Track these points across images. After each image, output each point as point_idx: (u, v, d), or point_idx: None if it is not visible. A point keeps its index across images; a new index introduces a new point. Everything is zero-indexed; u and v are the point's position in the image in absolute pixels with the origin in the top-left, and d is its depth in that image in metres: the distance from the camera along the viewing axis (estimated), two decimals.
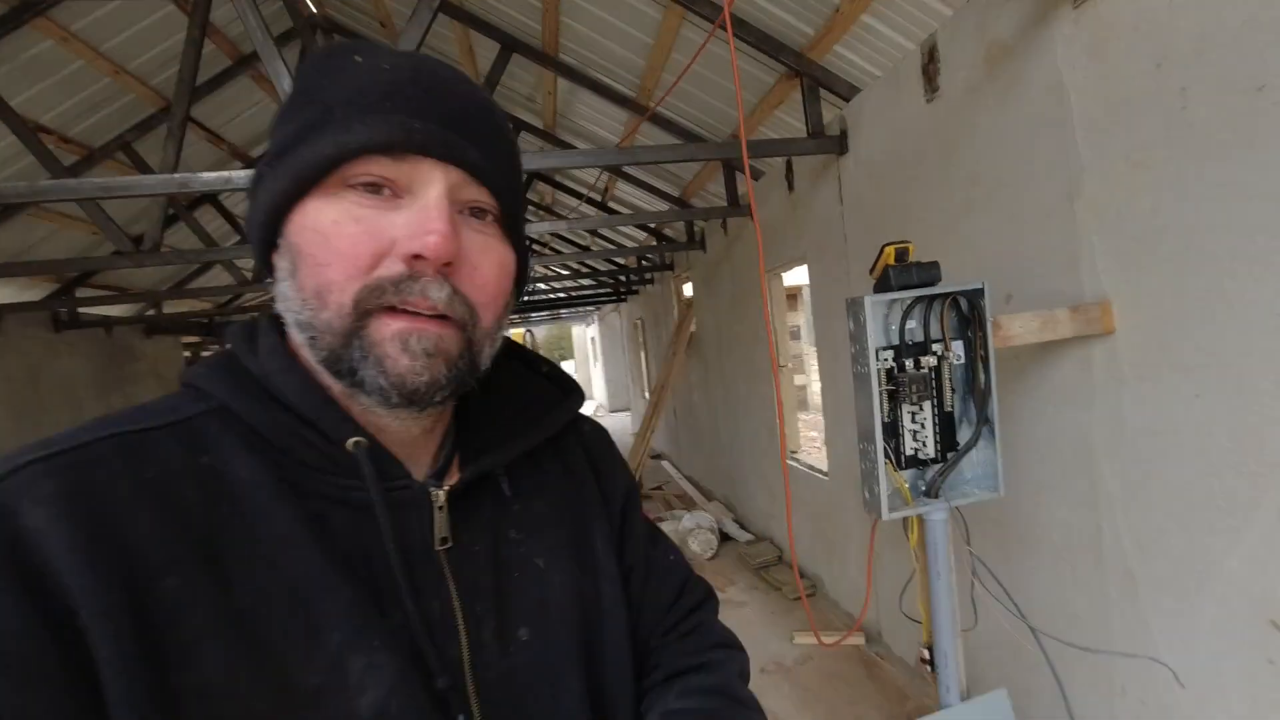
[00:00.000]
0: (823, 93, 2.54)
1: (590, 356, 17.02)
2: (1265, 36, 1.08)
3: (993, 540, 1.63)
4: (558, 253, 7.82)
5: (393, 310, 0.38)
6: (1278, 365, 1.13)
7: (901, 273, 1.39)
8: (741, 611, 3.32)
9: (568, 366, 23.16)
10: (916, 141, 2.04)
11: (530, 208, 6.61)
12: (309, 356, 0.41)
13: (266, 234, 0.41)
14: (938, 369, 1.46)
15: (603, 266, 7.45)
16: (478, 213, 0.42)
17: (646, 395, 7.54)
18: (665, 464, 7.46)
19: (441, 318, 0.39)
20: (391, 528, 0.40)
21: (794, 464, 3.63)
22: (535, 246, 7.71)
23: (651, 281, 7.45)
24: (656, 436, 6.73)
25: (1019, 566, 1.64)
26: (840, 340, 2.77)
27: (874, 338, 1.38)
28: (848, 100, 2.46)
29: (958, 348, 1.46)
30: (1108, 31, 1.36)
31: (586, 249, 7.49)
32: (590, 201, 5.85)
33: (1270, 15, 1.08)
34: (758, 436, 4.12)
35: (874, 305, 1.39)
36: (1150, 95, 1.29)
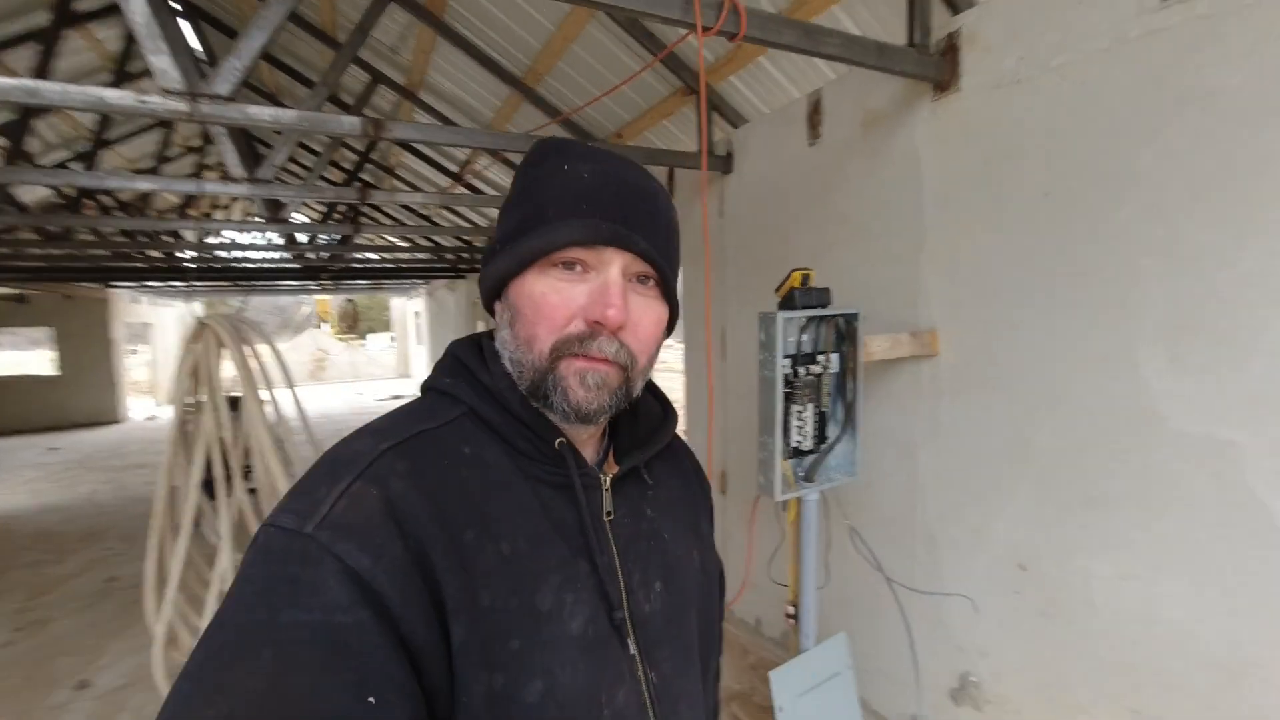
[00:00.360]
0: (714, 115, 2.79)
1: (413, 332, 15.74)
2: (1054, 155, 1.54)
3: (842, 514, 2.03)
4: (400, 224, 7.17)
5: (575, 355, 0.52)
6: (1038, 387, 1.61)
7: (805, 295, 1.65)
8: None
9: (383, 341, 20.81)
10: (797, 176, 2.38)
11: (368, 165, 5.99)
12: (516, 381, 0.55)
13: (495, 293, 0.57)
14: (820, 376, 1.77)
15: (449, 242, 7.03)
16: (642, 279, 0.55)
17: None
18: None
19: (609, 360, 0.53)
20: (585, 502, 0.55)
21: None
22: (364, 214, 6.97)
23: None
24: None
25: (859, 534, 2.06)
26: (696, 341, 3.08)
27: (781, 347, 1.63)
28: (735, 126, 2.74)
29: (834, 360, 1.78)
30: (954, 126, 1.77)
31: (433, 223, 6.99)
32: (447, 174, 5.51)
33: (1055, 144, 1.53)
34: None
35: (783, 321, 1.63)
36: (978, 182, 1.72)
